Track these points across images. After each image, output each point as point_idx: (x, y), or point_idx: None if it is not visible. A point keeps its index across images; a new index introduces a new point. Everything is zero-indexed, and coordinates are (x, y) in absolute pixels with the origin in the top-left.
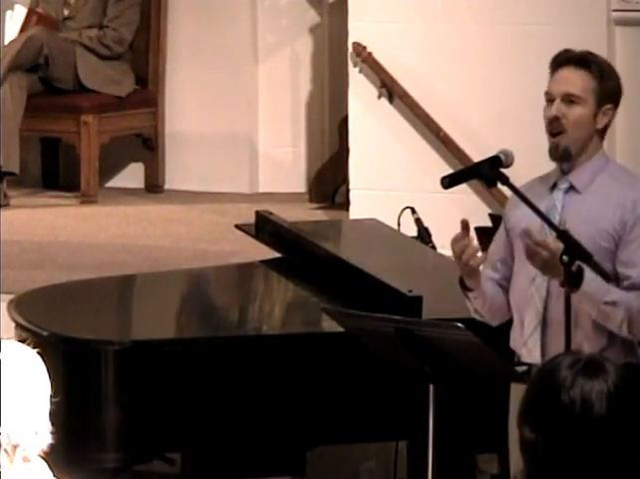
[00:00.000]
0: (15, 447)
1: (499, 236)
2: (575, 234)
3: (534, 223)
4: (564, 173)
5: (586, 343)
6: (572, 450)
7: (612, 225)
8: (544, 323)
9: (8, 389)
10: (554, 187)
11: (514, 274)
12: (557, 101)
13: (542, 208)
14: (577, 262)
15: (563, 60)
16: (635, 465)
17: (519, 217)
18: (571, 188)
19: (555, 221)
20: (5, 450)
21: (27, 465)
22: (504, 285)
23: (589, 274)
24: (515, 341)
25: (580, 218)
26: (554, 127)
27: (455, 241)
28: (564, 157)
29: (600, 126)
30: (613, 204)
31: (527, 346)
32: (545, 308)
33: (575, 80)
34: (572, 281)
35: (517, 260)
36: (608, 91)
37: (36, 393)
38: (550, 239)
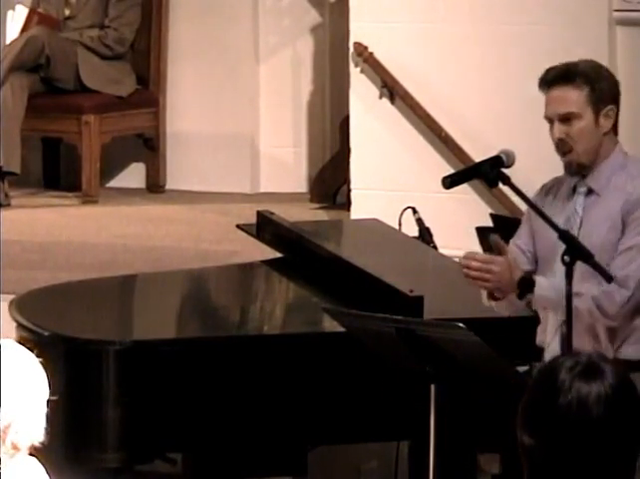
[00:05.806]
0: (7, 427)
1: (525, 228)
2: (594, 235)
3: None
4: (583, 176)
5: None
6: (570, 453)
7: (620, 217)
8: (568, 324)
9: (5, 386)
10: (575, 190)
11: (538, 274)
12: (556, 123)
13: (564, 211)
14: (522, 275)
15: (549, 80)
16: (632, 467)
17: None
18: (590, 191)
19: (576, 224)
20: None
21: (18, 455)
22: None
23: (540, 279)
24: (540, 338)
25: (600, 219)
26: (562, 147)
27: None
28: (580, 170)
29: (605, 129)
30: (623, 197)
31: (551, 347)
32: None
33: (565, 97)
34: (524, 289)
35: (540, 261)
36: (602, 94)
37: (33, 391)
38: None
